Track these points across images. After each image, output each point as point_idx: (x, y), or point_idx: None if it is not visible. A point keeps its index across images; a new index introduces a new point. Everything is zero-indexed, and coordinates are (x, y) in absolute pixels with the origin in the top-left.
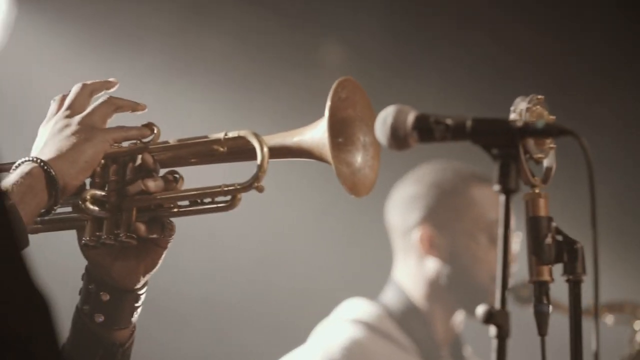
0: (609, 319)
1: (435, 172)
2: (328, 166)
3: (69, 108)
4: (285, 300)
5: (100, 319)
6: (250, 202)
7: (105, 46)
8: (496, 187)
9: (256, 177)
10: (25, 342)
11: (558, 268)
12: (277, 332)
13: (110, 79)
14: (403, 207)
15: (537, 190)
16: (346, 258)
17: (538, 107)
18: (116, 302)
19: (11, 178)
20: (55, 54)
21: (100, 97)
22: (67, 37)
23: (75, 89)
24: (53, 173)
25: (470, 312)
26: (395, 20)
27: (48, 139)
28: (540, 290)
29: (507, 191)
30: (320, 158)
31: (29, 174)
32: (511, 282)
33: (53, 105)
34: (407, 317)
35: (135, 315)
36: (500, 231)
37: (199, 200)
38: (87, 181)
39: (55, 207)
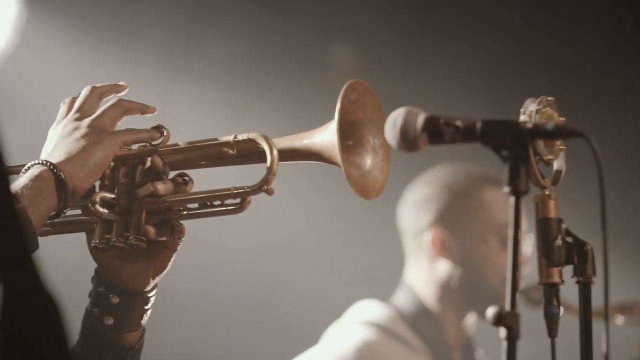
0: (619, 320)
1: (447, 175)
2: (338, 169)
3: (78, 111)
4: (297, 302)
5: (109, 321)
6: (260, 204)
7: (116, 49)
8: (506, 188)
9: (266, 180)
10: (35, 345)
11: (568, 270)
12: (289, 334)
13: (120, 83)
14: (415, 209)
15: (547, 192)
16: (357, 260)
17: (548, 108)
18: (126, 304)
19: (21, 181)
20: (66, 56)
21: (109, 100)
22: (77, 40)
23: (84, 92)
24: (63, 176)
25: (481, 314)
26: (404, 22)
27: (57, 142)
28: (550, 292)
29: (517, 193)
30: (329, 161)
31: (38, 177)
32: (522, 284)
33: (62, 108)
34: (419, 319)
35: (145, 318)
36: (510, 232)
37: (208, 203)
38: (97, 184)
39: (65, 210)
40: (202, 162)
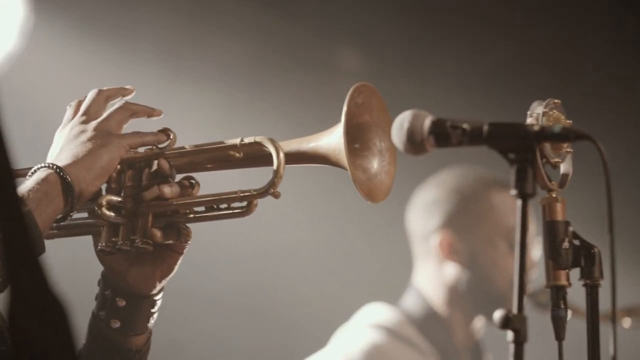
0: (626, 323)
1: (455, 178)
2: (344, 172)
3: (84, 114)
4: (306, 305)
5: (116, 324)
6: (267, 208)
7: (118, 50)
8: (513, 191)
9: (272, 183)
10: (42, 348)
11: (575, 272)
12: (297, 337)
13: (127, 86)
14: (423, 212)
15: (554, 195)
16: (365, 263)
17: (555, 111)
18: (132, 307)
19: (27, 184)
20: (72, 60)
21: (115, 103)
22: (84, 43)
23: (91, 95)
24: (69, 179)
25: (489, 317)
26: (411, 25)
27: (64, 145)
28: (557, 295)
29: (524, 196)
30: (336, 164)
31: (45, 180)
32: (530, 288)
33: (69, 111)
34: (427, 322)
35: (152, 321)
36: (516, 235)
37: (215, 206)
38: (103, 187)
39: (71, 213)
40: (209, 165)
